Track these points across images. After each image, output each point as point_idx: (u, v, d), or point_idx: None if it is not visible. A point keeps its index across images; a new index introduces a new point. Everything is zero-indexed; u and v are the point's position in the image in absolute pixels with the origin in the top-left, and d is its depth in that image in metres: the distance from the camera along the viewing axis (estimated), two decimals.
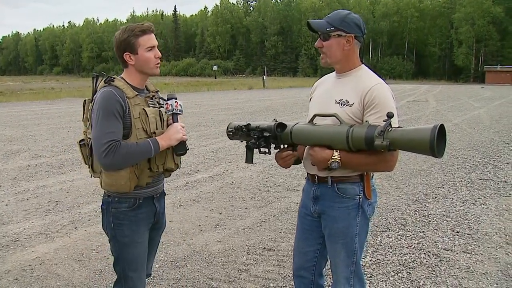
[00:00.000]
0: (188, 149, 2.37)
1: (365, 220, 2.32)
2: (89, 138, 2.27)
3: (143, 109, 2.24)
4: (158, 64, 2.32)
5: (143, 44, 2.23)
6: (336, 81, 2.36)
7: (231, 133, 2.53)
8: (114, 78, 2.26)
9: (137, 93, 2.27)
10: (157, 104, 2.39)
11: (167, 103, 2.34)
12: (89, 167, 2.36)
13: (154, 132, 2.26)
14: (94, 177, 2.37)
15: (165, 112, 2.34)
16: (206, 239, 4.58)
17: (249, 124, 2.41)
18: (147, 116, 2.24)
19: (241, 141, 2.56)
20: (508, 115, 16.68)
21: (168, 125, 2.34)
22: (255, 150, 2.45)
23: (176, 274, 3.78)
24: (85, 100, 2.35)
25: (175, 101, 2.33)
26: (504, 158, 8.68)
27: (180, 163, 2.47)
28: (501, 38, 65.10)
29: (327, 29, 2.20)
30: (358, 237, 2.31)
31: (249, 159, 2.52)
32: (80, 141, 2.36)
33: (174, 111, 2.32)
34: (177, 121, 2.33)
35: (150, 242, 2.47)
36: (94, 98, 2.25)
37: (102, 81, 2.27)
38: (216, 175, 7.34)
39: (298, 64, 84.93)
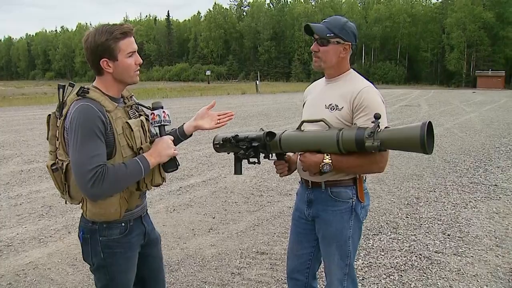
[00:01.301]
0: (179, 165, 2.12)
1: (358, 223, 2.35)
2: (61, 160, 1.96)
3: (126, 122, 1.96)
4: (138, 71, 2.03)
5: (124, 49, 1.92)
6: (325, 86, 2.40)
7: (218, 146, 2.50)
8: (88, 89, 1.93)
9: (116, 104, 1.98)
10: (136, 112, 2.11)
11: (153, 113, 2.06)
12: (65, 194, 2.02)
13: (141, 148, 2.00)
14: (72, 203, 2.07)
15: (151, 123, 2.08)
16: (200, 243, 4.60)
17: (237, 135, 2.39)
18: (132, 130, 1.96)
19: (228, 153, 2.53)
20: (499, 119, 16.82)
21: (151, 134, 2.13)
22: (244, 161, 2.43)
23: (169, 278, 3.79)
24: (49, 115, 2.02)
25: (163, 111, 2.06)
26: (494, 162, 8.76)
27: (165, 175, 2.20)
28: (492, 43, 65.61)
29: (327, 35, 2.23)
30: (352, 240, 2.34)
31: (238, 171, 2.52)
32: (52, 165, 1.99)
33: (162, 123, 2.06)
34: (165, 134, 2.09)
35: (154, 260, 2.29)
36: (65, 113, 1.92)
37: (73, 93, 1.94)
38: (209, 179, 7.36)
39: (291, 69, 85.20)
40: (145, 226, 2.18)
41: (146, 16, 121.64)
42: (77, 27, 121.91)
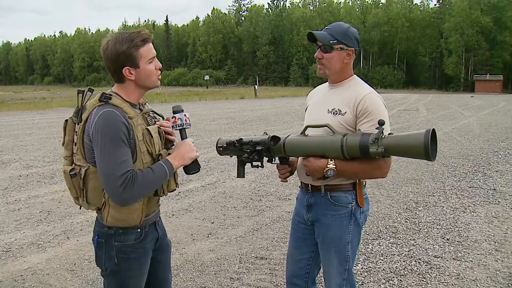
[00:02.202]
0: (200, 167, 2.17)
1: (357, 228, 2.36)
2: (79, 166, 1.96)
3: (146, 129, 1.98)
4: (159, 75, 2.06)
5: (145, 56, 1.95)
6: (329, 91, 2.42)
7: (221, 149, 2.50)
8: (110, 95, 1.94)
9: (137, 111, 2.01)
10: (152, 119, 2.12)
11: (174, 117, 2.08)
12: (82, 199, 2.02)
13: (160, 154, 2.02)
14: (88, 209, 2.06)
15: (173, 127, 2.10)
16: (199, 248, 4.59)
17: (241, 138, 2.40)
18: (152, 136, 1.98)
19: (231, 156, 2.55)
20: (497, 123, 16.85)
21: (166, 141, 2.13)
22: (247, 165, 2.44)
23: None
24: (66, 121, 2.04)
25: (184, 114, 2.09)
26: (493, 166, 8.77)
27: (178, 181, 2.23)
28: (489, 47, 65.87)
29: (331, 42, 2.25)
30: (351, 245, 2.34)
31: (241, 174, 2.53)
32: (70, 170, 1.98)
33: (184, 126, 2.09)
34: (186, 137, 2.11)
35: (161, 267, 2.27)
36: (85, 118, 1.93)
37: (94, 98, 1.95)
38: (208, 184, 7.36)
39: (289, 74, 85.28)
40: (158, 232, 2.20)
41: (145, 21, 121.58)
42: (75, 32, 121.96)
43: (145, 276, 2.15)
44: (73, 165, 2.00)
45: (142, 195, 1.93)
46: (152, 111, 2.18)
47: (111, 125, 1.84)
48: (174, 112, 2.11)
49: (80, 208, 2.13)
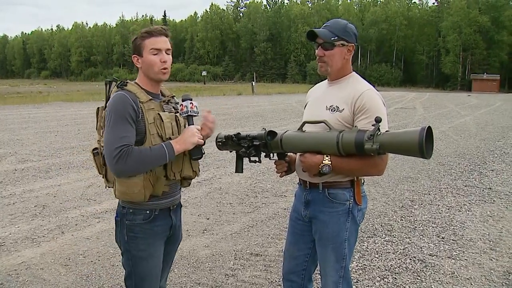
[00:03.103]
0: (204, 153, 2.26)
1: (354, 225, 2.36)
2: (102, 146, 2.13)
3: (158, 113, 2.14)
4: (164, 69, 2.18)
5: (148, 46, 2.14)
6: (327, 88, 2.41)
7: (220, 143, 2.52)
8: (127, 82, 2.16)
9: (151, 97, 2.17)
10: (173, 109, 2.29)
11: (181, 104, 2.22)
12: (103, 177, 2.24)
13: (170, 138, 2.14)
14: (108, 187, 2.26)
15: (180, 114, 2.23)
16: (194, 244, 4.58)
17: (239, 133, 2.41)
18: (162, 121, 2.13)
19: (230, 151, 2.56)
20: (494, 123, 16.89)
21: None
22: (245, 160, 2.45)
23: None
24: (98, 108, 2.25)
25: (190, 103, 2.21)
26: (489, 165, 8.79)
27: (199, 170, 2.36)
28: (487, 47, 65.95)
29: (332, 39, 2.24)
30: (348, 242, 2.34)
31: (239, 169, 2.55)
32: (94, 149, 2.22)
33: (189, 113, 2.21)
34: (193, 124, 2.22)
35: (165, 256, 2.35)
36: (107, 104, 2.15)
37: (115, 86, 2.17)
38: (204, 180, 7.34)
39: (287, 71, 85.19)
40: (173, 219, 2.30)
41: (143, 16, 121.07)
42: (73, 26, 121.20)
43: (156, 261, 2.26)
44: (99, 145, 2.19)
45: (136, 169, 2.05)
46: (177, 103, 2.34)
47: (119, 104, 2.05)
48: (182, 100, 2.23)
49: (106, 188, 2.31)
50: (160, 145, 2.08)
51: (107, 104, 2.13)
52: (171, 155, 2.09)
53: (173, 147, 2.10)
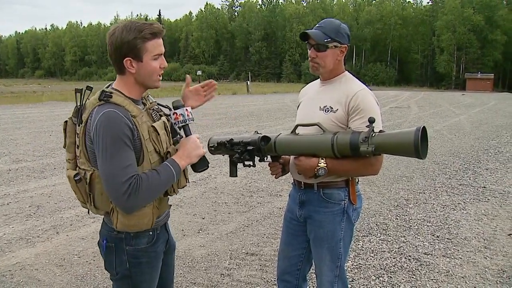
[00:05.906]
0: (209, 164, 2.06)
1: (349, 225, 2.35)
2: (83, 170, 1.83)
3: (152, 126, 1.85)
4: (161, 75, 1.90)
5: (151, 51, 1.80)
6: (320, 88, 2.40)
7: (212, 148, 2.49)
8: (111, 93, 1.79)
9: (141, 108, 1.87)
10: (157, 113, 2.00)
11: (175, 113, 1.95)
12: (89, 204, 1.89)
13: (169, 152, 1.90)
14: (96, 214, 1.94)
15: (174, 123, 1.97)
16: (189, 244, 4.58)
17: (231, 139, 2.37)
18: (158, 133, 1.85)
19: (223, 155, 2.53)
20: (488, 121, 16.96)
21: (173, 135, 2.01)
22: (239, 164, 2.43)
23: None
24: (66, 122, 1.91)
25: (185, 109, 1.96)
26: (483, 164, 8.82)
27: (188, 176, 2.12)
28: (481, 46, 66.29)
29: (325, 40, 2.23)
30: (343, 242, 2.34)
31: (233, 173, 2.53)
32: (75, 175, 1.86)
33: (187, 122, 1.96)
34: (190, 132, 1.98)
35: (168, 267, 2.19)
36: (85, 118, 1.80)
37: (96, 97, 1.80)
38: (199, 180, 7.33)
39: (282, 70, 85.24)
40: (168, 233, 2.13)
41: (137, 15, 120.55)
42: (67, 25, 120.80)
43: (157, 279, 2.06)
44: (77, 169, 1.87)
45: (148, 200, 1.81)
46: (157, 103, 2.06)
47: (112, 126, 1.70)
48: (174, 108, 1.98)
49: (88, 213, 2.03)
50: (166, 166, 1.84)
51: (90, 124, 1.76)
52: (178, 174, 1.87)
53: (179, 164, 1.87)
